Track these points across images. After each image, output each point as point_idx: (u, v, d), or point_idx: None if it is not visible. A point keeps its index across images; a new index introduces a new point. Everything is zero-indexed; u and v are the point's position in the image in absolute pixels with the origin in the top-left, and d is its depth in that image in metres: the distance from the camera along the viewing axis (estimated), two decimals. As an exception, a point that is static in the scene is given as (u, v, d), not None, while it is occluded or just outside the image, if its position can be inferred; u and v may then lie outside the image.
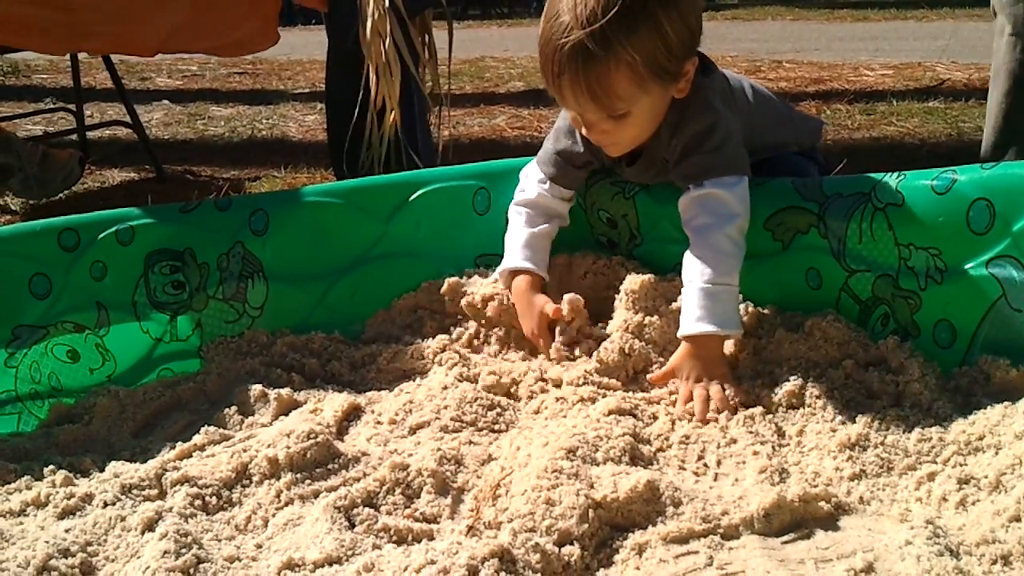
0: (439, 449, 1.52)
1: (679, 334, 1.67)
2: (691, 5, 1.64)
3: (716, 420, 1.58)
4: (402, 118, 2.61)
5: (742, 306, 1.78)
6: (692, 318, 1.65)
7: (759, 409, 1.60)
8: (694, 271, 1.67)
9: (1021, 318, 1.53)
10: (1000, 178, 1.56)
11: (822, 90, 5.09)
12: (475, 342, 1.91)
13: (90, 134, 4.37)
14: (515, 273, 1.88)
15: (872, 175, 1.72)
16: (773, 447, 1.52)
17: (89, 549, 1.33)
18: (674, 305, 1.77)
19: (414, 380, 1.79)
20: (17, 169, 3.46)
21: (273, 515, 1.41)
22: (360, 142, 2.67)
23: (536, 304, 1.82)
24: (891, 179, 1.67)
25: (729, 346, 1.72)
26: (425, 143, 2.81)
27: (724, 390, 1.61)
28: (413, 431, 1.62)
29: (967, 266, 1.58)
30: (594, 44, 1.57)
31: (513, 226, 1.93)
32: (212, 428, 1.64)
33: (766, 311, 1.77)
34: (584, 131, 1.75)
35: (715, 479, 1.47)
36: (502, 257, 2.02)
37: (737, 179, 1.71)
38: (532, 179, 1.95)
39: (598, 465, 1.43)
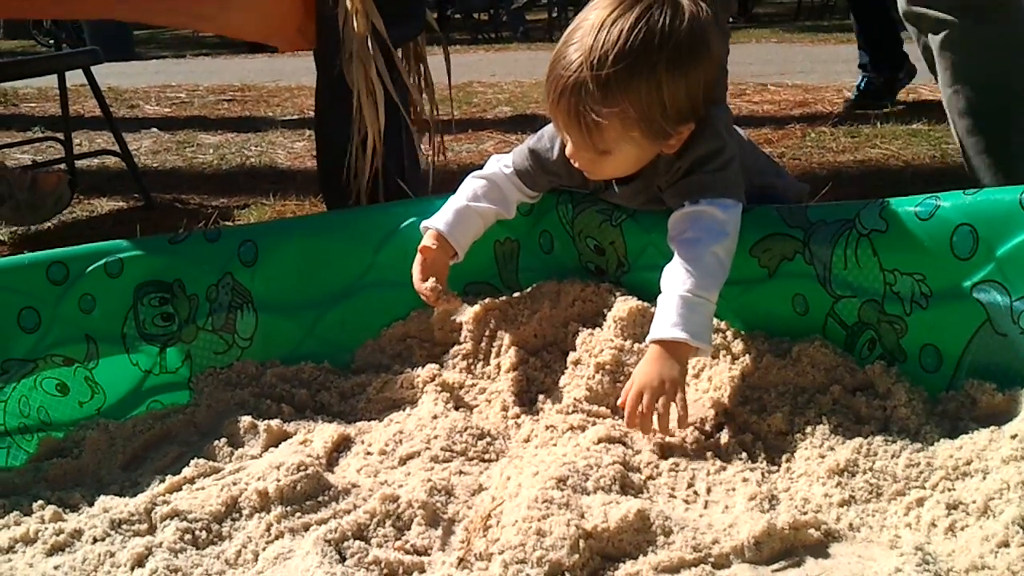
0: (429, 480, 1.52)
1: (649, 339, 1.64)
2: (700, 74, 1.66)
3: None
4: (388, 147, 2.62)
5: (730, 332, 1.79)
6: (667, 323, 1.62)
7: (748, 435, 1.61)
8: (675, 279, 1.65)
9: (1006, 343, 1.54)
10: (983, 204, 1.58)
11: (807, 113, 5.12)
12: (468, 363, 1.91)
13: (78, 163, 4.37)
14: (430, 231, 1.90)
15: (856, 202, 1.73)
16: (763, 474, 1.53)
17: (79, 586, 1.33)
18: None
19: (404, 410, 1.79)
20: (7, 196, 3.46)
21: (263, 549, 1.41)
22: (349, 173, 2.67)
23: (424, 270, 1.86)
24: (875, 205, 1.68)
25: (718, 373, 1.72)
26: (413, 171, 2.82)
27: (678, 405, 1.58)
28: (403, 461, 1.62)
29: (952, 291, 1.59)
30: (594, 86, 1.61)
31: (458, 193, 1.96)
32: (202, 460, 1.64)
33: (753, 337, 1.78)
34: (568, 154, 1.77)
35: (705, 507, 1.47)
36: (491, 286, 2.03)
37: (733, 203, 1.72)
38: (499, 162, 1.98)
39: (588, 494, 1.43)
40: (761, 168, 1.94)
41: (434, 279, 1.84)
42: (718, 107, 1.79)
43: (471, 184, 1.96)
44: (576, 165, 1.78)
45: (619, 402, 1.63)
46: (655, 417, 1.58)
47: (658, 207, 1.83)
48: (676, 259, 1.68)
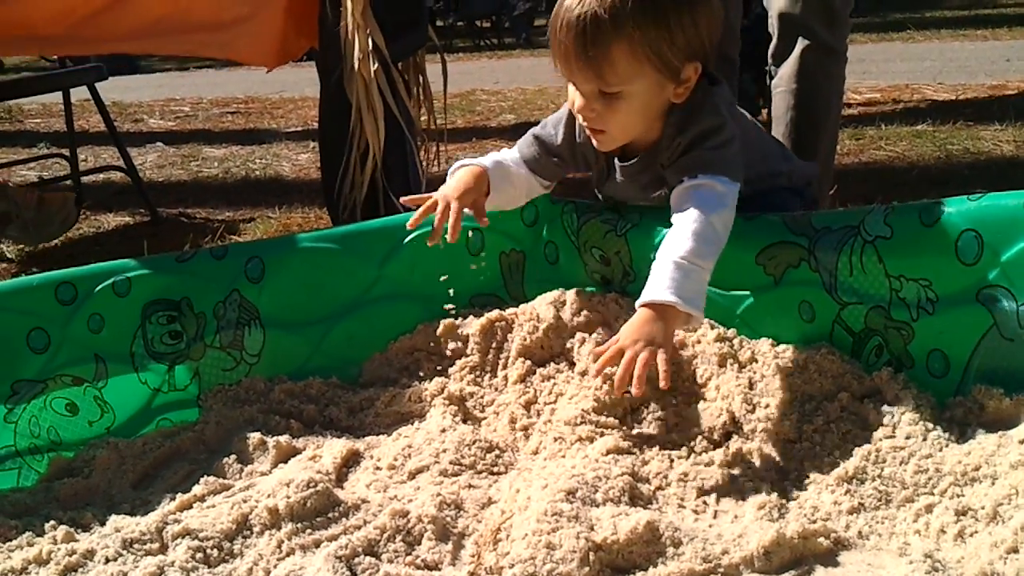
0: (439, 494, 1.52)
1: (639, 302, 1.63)
2: (706, 15, 1.71)
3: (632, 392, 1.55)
4: (387, 161, 2.63)
5: (736, 340, 1.79)
6: (660, 287, 1.61)
7: (756, 443, 1.61)
8: (670, 246, 1.66)
9: (1013, 347, 1.54)
10: (987, 209, 1.58)
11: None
12: (475, 376, 1.91)
13: (84, 179, 4.39)
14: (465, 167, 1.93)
15: (860, 208, 1.73)
16: (771, 482, 1.53)
17: (92, 607, 1.33)
18: (669, 342, 1.79)
19: (412, 423, 1.80)
20: (15, 216, 3.49)
21: (275, 566, 1.41)
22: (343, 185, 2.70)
23: (462, 186, 1.88)
24: (879, 212, 1.68)
25: (726, 382, 1.72)
26: (415, 183, 2.83)
27: (660, 366, 1.55)
28: (412, 476, 1.62)
29: (958, 296, 1.59)
30: (603, 12, 1.65)
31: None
32: (212, 478, 1.65)
33: (760, 345, 1.77)
34: (576, 110, 1.78)
35: (715, 516, 1.47)
36: (497, 297, 2.04)
37: (731, 182, 1.73)
38: (509, 153, 2.01)
39: (598, 506, 1.43)
40: (768, 152, 1.94)
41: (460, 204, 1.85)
42: (720, 86, 1.81)
43: (493, 156, 1.99)
44: (584, 124, 1.79)
45: (597, 351, 1.63)
46: (634, 378, 1.54)
47: (662, 189, 1.84)
48: (673, 228, 1.69)
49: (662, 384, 1.55)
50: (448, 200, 1.85)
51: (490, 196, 1.93)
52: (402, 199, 1.95)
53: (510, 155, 2.00)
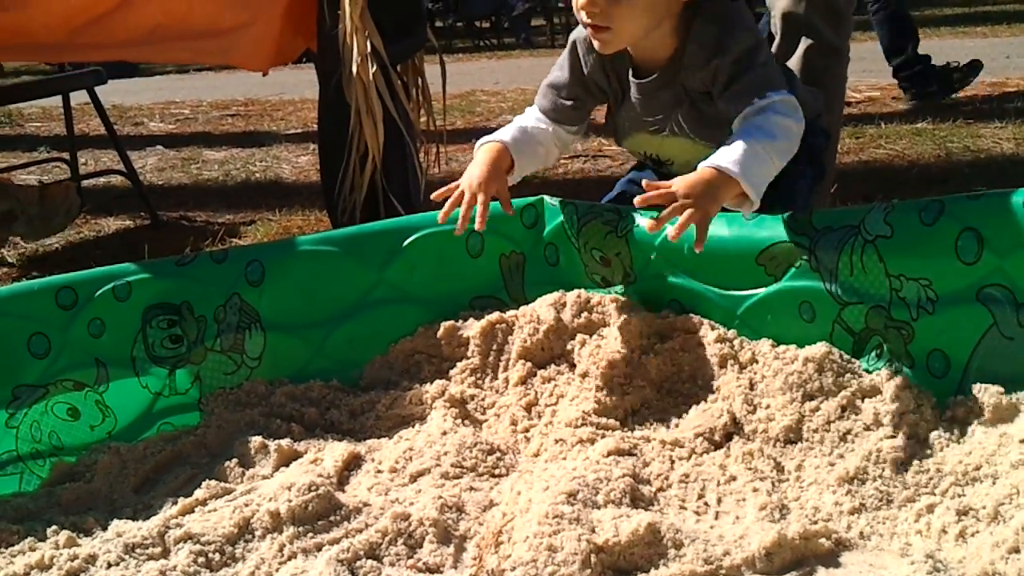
0: (440, 497, 1.52)
1: (704, 164, 1.66)
2: None
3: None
4: (387, 164, 2.64)
5: (737, 340, 1.79)
6: (731, 158, 1.64)
7: (757, 444, 1.61)
8: (752, 131, 1.69)
9: (1012, 346, 1.54)
10: (987, 207, 1.58)
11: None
12: (476, 378, 1.91)
13: (85, 182, 4.39)
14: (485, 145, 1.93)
15: (860, 207, 1.73)
16: (772, 483, 1.53)
17: (94, 612, 1.33)
18: (669, 343, 1.79)
19: (413, 426, 1.80)
20: (19, 212, 3.49)
21: (277, 570, 1.41)
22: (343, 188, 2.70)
23: (477, 177, 1.84)
24: (879, 211, 1.68)
25: (726, 383, 1.72)
26: (414, 186, 2.84)
27: (699, 229, 1.60)
28: (414, 479, 1.62)
29: (958, 296, 1.59)
30: None
31: (505, 128, 1.98)
32: (213, 482, 1.65)
33: (760, 345, 1.77)
34: (580, 7, 1.76)
35: (716, 518, 1.48)
36: (498, 300, 2.04)
37: (790, 93, 1.76)
38: (529, 112, 2.02)
39: (599, 508, 1.44)
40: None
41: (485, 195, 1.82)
42: (738, 3, 1.82)
43: (515, 123, 1.99)
44: (587, 22, 1.77)
45: (649, 184, 1.65)
46: (676, 225, 1.59)
47: (681, 113, 1.85)
48: (752, 122, 1.72)
49: (697, 248, 1.60)
50: (474, 192, 1.83)
51: (517, 167, 1.92)
52: (432, 195, 1.94)
53: (531, 114, 2.00)
